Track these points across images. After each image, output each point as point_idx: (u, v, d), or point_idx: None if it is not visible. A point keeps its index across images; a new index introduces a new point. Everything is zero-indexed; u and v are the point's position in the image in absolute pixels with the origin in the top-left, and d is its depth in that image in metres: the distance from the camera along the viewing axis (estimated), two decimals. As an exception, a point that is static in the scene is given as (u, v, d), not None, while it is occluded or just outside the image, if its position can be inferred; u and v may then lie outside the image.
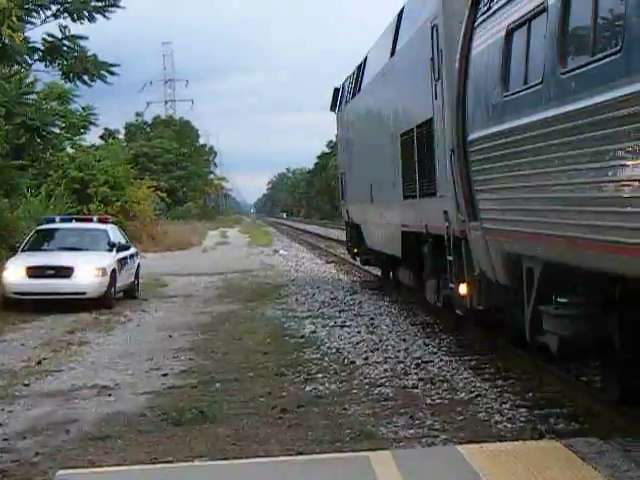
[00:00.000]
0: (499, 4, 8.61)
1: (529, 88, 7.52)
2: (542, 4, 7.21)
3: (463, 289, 10.95)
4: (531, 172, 7.58)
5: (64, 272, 18.23)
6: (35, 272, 18.27)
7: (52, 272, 18.27)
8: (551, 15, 6.98)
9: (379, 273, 22.68)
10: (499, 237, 8.86)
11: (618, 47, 5.73)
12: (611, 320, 7.16)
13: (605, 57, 5.95)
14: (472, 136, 9.41)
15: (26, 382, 10.84)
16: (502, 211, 8.66)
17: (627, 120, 5.65)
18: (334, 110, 24.61)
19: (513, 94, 7.99)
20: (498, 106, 8.43)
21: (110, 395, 9.98)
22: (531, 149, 7.51)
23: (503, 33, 8.29)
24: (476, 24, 9.48)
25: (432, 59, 11.84)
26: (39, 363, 12.12)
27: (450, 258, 11.48)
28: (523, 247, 8.18)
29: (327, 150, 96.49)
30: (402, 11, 15.27)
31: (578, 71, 6.43)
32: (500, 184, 8.57)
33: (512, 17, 8.07)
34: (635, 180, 5.68)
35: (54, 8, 24.87)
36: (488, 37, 8.87)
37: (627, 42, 5.61)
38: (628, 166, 5.75)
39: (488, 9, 9.02)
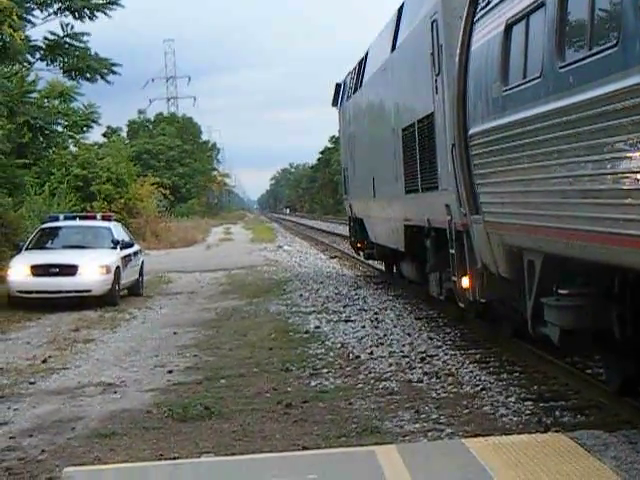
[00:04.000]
0: (498, -1, 8.65)
1: (528, 82, 7.56)
2: None
3: (465, 282, 10.99)
4: (531, 165, 7.62)
5: (68, 270, 18.29)
6: (39, 270, 18.32)
7: (56, 270, 18.31)
8: (549, 9, 7.02)
9: (382, 267, 22.74)
10: (500, 230, 8.90)
11: (615, 41, 5.77)
12: (611, 311, 7.21)
13: (602, 51, 5.99)
14: (473, 130, 9.45)
15: (32, 380, 10.88)
16: (503, 204, 8.70)
17: (624, 113, 5.69)
18: (336, 105, 24.63)
19: (512, 88, 8.02)
20: (498, 100, 8.47)
21: (115, 392, 10.02)
22: (530, 142, 7.55)
23: (502, 28, 8.32)
24: (475, 19, 9.52)
25: (432, 54, 11.87)
26: (44, 361, 12.17)
27: (452, 251, 11.51)
28: (524, 240, 8.22)
29: (330, 145, 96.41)
30: (402, 6, 15.31)
31: (576, 65, 6.47)
32: (501, 177, 8.62)
33: (511, 12, 8.10)
34: (631, 172, 5.73)
35: (56, 6, 24.91)
36: (487, 32, 8.89)
37: (624, 36, 5.65)
38: (625, 158, 5.79)
39: (487, 4, 9.06)
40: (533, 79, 7.41)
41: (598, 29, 6.21)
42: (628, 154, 5.74)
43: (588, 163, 6.38)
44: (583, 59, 6.33)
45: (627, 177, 5.81)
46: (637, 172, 5.65)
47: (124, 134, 74.47)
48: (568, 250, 7.13)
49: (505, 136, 8.23)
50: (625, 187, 5.86)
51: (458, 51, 9.90)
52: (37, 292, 18.21)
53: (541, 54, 7.20)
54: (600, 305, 7.23)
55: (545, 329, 7.95)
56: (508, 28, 8.20)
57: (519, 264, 8.53)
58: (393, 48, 15.49)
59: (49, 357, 12.47)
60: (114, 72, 25.73)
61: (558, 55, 6.82)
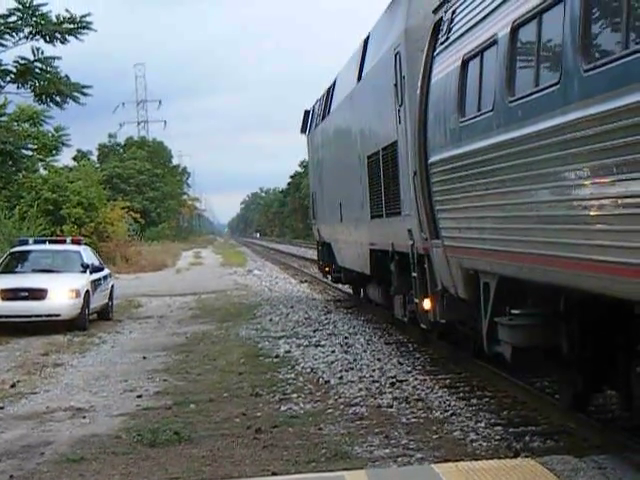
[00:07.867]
0: (456, 35, 9.06)
1: (482, 114, 7.95)
2: (493, 37, 7.64)
3: (427, 304, 11.28)
4: (484, 193, 8.01)
5: (38, 294, 18.22)
6: (9, 294, 18.25)
7: (26, 294, 18.24)
8: (500, 47, 7.42)
9: (351, 291, 22.96)
10: (458, 254, 9.24)
11: (557, 79, 6.16)
12: (560, 330, 7.57)
13: (547, 87, 6.39)
14: (432, 159, 9.80)
15: (0, 405, 10.85)
16: (460, 229, 9.06)
17: (565, 146, 6.08)
18: (304, 132, 24.92)
19: (468, 120, 8.41)
20: (455, 131, 8.83)
21: (85, 417, 10.00)
22: (484, 171, 7.95)
23: (459, 63, 8.70)
24: (435, 53, 9.90)
25: (395, 85, 12.23)
26: (13, 386, 12.12)
27: (414, 274, 11.82)
28: (480, 263, 8.57)
29: (300, 170, 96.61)
30: (368, 37, 15.69)
31: (524, 100, 6.86)
32: (458, 204, 8.97)
33: (467, 48, 8.50)
34: (574, 200, 6.11)
35: (27, 30, 24.98)
36: (446, 66, 9.28)
37: (564, 75, 6.05)
38: (568, 187, 6.18)
39: (446, 39, 9.45)
40: (486, 112, 7.80)
41: (543, 67, 6.63)
42: (571, 183, 6.11)
43: (535, 191, 6.78)
44: (530, 94, 6.73)
45: (570, 204, 6.17)
46: (580, 200, 6.02)
47: (94, 158, 74.41)
48: (519, 273, 7.49)
49: (461, 165, 8.60)
50: (569, 213, 6.24)
51: (419, 83, 10.27)
52: (6, 316, 18.13)
53: (493, 89, 7.59)
54: (549, 324, 7.60)
55: (499, 347, 8.29)
56: (464, 63, 8.58)
57: (476, 286, 8.87)
58: (359, 78, 15.84)
59: (18, 382, 12.42)
60: (85, 94, 25.81)
61: (508, 90, 7.21)
